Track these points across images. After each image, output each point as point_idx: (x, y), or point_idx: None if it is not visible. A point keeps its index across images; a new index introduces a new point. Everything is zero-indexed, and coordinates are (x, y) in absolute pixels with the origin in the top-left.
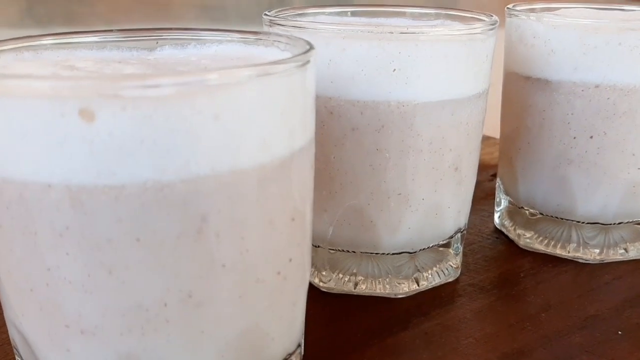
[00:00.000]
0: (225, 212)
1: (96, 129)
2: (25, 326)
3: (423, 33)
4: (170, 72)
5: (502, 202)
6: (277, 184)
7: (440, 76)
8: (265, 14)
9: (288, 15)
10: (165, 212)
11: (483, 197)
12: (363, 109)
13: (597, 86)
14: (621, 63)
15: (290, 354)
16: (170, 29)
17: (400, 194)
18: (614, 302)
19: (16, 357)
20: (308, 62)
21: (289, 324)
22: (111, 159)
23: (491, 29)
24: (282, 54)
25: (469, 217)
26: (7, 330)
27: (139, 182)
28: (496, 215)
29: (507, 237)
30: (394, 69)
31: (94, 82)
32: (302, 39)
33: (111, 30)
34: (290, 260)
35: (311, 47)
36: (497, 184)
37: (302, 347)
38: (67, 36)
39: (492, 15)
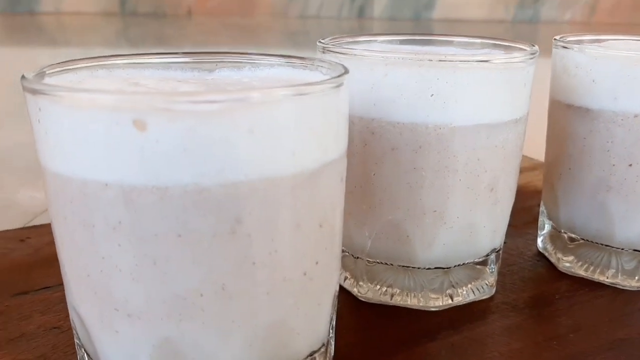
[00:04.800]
0: (257, 215)
1: (147, 137)
2: (82, 309)
3: (460, 61)
4: (212, 90)
5: (545, 226)
6: (305, 193)
7: (477, 102)
8: (319, 42)
9: (340, 43)
10: (203, 212)
11: (531, 221)
12: (402, 130)
13: (636, 116)
14: None
15: (315, 352)
16: (229, 52)
17: (435, 211)
18: None
19: (75, 339)
20: (341, 84)
21: (314, 322)
22: (158, 164)
23: (531, 58)
24: (323, 77)
25: (513, 239)
26: None
27: (181, 185)
28: (539, 239)
29: (548, 260)
30: (432, 94)
31: (146, 96)
32: (341, 64)
33: (177, 53)
34: (317, 263)
35: (345, 72)
36: (541, 208)
37: (331, 348)
38: (137, 57)
39: (534, 45)
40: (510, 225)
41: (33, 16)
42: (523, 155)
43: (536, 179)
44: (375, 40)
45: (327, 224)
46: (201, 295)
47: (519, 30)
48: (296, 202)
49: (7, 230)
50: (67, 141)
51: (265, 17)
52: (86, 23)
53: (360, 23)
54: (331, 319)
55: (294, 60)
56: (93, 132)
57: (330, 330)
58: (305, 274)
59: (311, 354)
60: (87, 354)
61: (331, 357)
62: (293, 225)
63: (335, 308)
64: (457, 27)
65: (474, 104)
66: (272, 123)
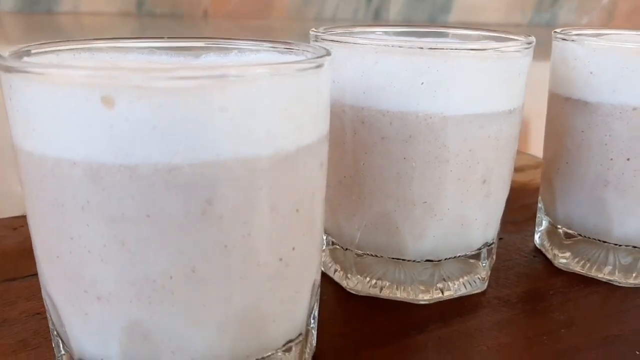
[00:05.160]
0: (229, 197)
1: (115, 114)
2: (53, 292)
3: (452, 49)
4: (182, 67)
5: (543, 222)
6: (281, 176)
7: (468, 91)
8: (312, 30)
9: (334, 33)
10: (173, 192)
11: (530, 218)
12: (392, 119)
13: (634, 109)
14: None
15: (291, 341)
16: (216, 38)
17: (426, 202)
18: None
19: (49, 324)
20: (321, 65)
21: (291, 310)
22: (127, 142)
23: (526, 48)
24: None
25: (511, 235)
26: None
27: (150, 164)
28: (536, 235)
29: (545, 257)
30: (422, 82)
31: (114, 72)
32: (325, 48)
33: (163, 38)
34: (294, 249)
35: (327, 54)
36: (539, 204)
37: (312, 338)
38: (123, 41)
39: (530, 36)
40: (509, 221)
41: (51, 16)
42: (527, 154)
43: (539, 177)
44: (371, 32)
45: (305, 209)
46: (171, 277)
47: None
48: (271, 185)
49: (2, 219)
50: (36, 119)
51: (281, 20)
52: (103, 23)
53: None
54: (312, 309)
55: (280, 45)
56: (62, 110)
57: (312, 320)
58: (281, 259)
59: (287, 343)
60: (60, 339)
61: (313, 348)
62: (267, 208)
63: (317, 298)
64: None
65: (465, 93)
66: (245, 102)
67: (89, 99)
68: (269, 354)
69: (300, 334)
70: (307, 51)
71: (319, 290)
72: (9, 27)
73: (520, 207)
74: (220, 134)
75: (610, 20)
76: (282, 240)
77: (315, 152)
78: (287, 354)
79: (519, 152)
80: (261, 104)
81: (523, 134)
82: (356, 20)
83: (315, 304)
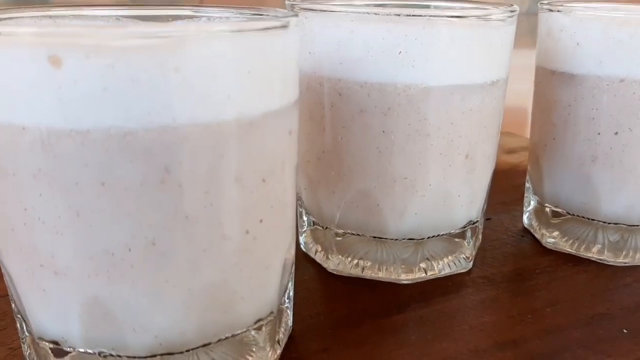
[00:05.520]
0: (188, 165)
1: (63, 75)
2: (9, 266)
3: (430, 16)
4: (132, 24)
5: (531, 202)
6: (244, 143)
7: (449, 60)
8: (288, 0)
9: (309, 2)
10: (129, 159)
11: (519, 199)
12: (370, 90)
13: (622, 80)
14: None
15: (262, 319)
16: (184, 6)
17: (406, 178)
18: (628, 303)
19: (11, 303)
20: (285, 26)
21: (261, 287)
22: (77, 105)
23: (510, 17)
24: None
25: (500, 215)
26: None
27: (103, 128)
28: (525, 216)
29: (534, 237)
30: (400, 52)
31: (61, 30)
32: (294, 12)
33: (131, 6)
34: (261, 221)
35: (293, 15)
36: (527, 184)
37: (287, 318)
38: (87, 8)
39: (512, 5)
40: (499, 202)
41: (64, 2)
42: (520, 136)
43: None
44: (352, 4)
45: (273, 179)
46: (129, 250)
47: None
48: (233, 153)
49: None
50: None
51: (277, 6)
52: None
53: None
54: (285, 287)
55: (249, 11)
56: (9, 72)
57: (286, 300)
58: (247, 232)
59: (258, 321)
60: (23, 320)
61: (289, 327)
62: (230, 178)
63: (292, 276)
64: None
65: (445, 63)
66: (202, 62)
67: (36, 59)
68: (239, 332)
69: (271, 312)
70: (277, 15)
71: (293, 268)
72: None
73: (510, 187)
74: (176, 96)
75: None
76: (248, 212)
77: (283, 118)
78: (258, 332)
79: (512, 135)
80: (220, 65)
81: (523, 120)
82: None
83: (290, 283)
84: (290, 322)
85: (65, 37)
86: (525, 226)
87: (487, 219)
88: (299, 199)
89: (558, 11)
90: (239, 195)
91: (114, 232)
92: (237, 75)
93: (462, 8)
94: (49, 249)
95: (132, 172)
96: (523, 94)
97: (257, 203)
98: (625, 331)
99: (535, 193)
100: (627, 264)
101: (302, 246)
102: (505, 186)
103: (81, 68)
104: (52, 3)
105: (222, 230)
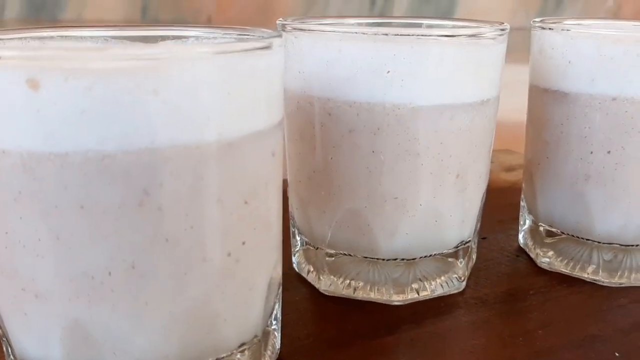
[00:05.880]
0: (168, 187)
1: (41, 98)
2: None
3: (418, 35)
4: (110, 47)
5: (526, 221)
6: (225, 165)
7: (438, 80)
8: (279, 20)
9: (298, 21)
10: (107, 181)
11: (516, 217)
12: (359, 110)
13: (614, 99)
14: (639, 75)
15: (246, 343)
16: (174, 25)
17: (396, 198)
18: (622, 325)
19: None
20: (267, 47)
21: (244, 308)
22: (56, 127)
23: (500, 35)
24: None
25: (496, 234)
26: None
27: (82, 151)
28: (520, 234)
29: (529, 256)
30: (388, 71)
31: (39, 53)
32: (279, 33)
33: (120, 26)
34: (244, 243)
35: (277, 35)
36: (522, 202)
37: (275, 340)
38: (76, 29)
39: (503, 23)
40: (495, 220)
41: (56, 23)
42: (518, 153)
43: None
44: (342, 23)
45: (255, 200)
46: (110, 274)
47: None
48: (214, 175)
49: None
50: None
51: None
52: None
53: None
54: (271, 309)
55: (236, 31)
56: None
57: (273, 321)
58: (229, 254)
59: (242, 345)
60: (8, 344)
61: (276, 350)
62: (211, 199)
63: (279, 297)
64: None
65: (434, 82)
66: (180, 85)
67: (14, 83)
68: (223, 355)
69: (255, 336)
70: (262, 36)
71: (280, 289)
72: None
73: (507, 205)
74: (154, 119)
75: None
76: (230, 234)
77: (266, 139)
78: (242, 355)
79: (511, 152)
80: (199, 88)
81: (523, 137)
82: None
83: (277, 304)
84: (277, 345)
85: (43, 60)
86: (521, 245)
87: (483, 238)
88: (291, 218)
89: (550, 29)
90: (220, 217)
91: (94, 255)
92: (217, 97)
93: (453, 26)
94: (29, 272)
95: (110, 194)
96: (523, 110)
97: (239, 225)
98: (617, 354)
99: (529, 212)
100: (622, 285)
101: (294, 266)
102: (503, 204)
103: (59, 91)
104: (62, 20)
105: (203, 253)
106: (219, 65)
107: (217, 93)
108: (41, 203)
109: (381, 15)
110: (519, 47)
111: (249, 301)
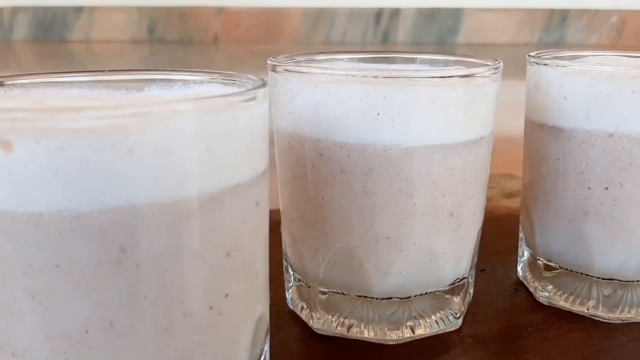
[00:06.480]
0: (145, 244)
1: (14, 158)
2: None
3: (407, 77)
4: (81, 107)
5: (525, 253)
6: (205, 219)
7: (429, 121)
8: (270, 60)
9: (291, 61)
10: (83, 241)
11: (516, 246)
12: (350, 151)
13: (610, 135)
14: (635, 111)
15: None
16: (160, 70)
17: (389, 237)
18: None
19: None
20: (252, 99)
21: None
22: (29, 188)
23: (493, 74)
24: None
25: (494, 266)
26: None
27: (56, 211)
28: (519, 267)
29: (527, 290)
30: (378, 113)
31: (9, 114)
32: (264, 80)
33: (105, 71)
34: (227, 295)
35: (261, 85)
36: (520, 234)
37: None
38: (61, 75)
39: (498, 61)
40: (495, 251)
41: (64, 44)
42: (519, 178)
43: None
44: (335, 59)
45: (238, 252)
46: (87, 332)
47: None
48: (193, 230)
49: None
50: None
51: (289, 44)
52: (115, 50)
53: (384, 48)
54: (259, 355)
55: (222, 77)
56: None
57: None
58: (211, 307)
59: None
60: None
61: None
62: (191, 255)
63: (267, 343)
64: (482, 51)
65: (425, 123)
66: (155, 142)
67: None
68: None
69: None
70: (248, 83)
71: (267, 335)
72: (23, 54)
73: (506, 234)
74: (130, 178)
75: (619, 38)
76: (212, 288)
77: (249, 190)
78: None
79: (512, 177)
80: (176, 145)
81: (519, 161)
82: (365, 42)
83: (266, 348)
84: None
85: (15, 122)
86: (520, 278)
87: (482, 270)
88: (284, 254)
89: (545, 65)
90: (200, 272)
91: (71, 313)
92: (195, 153)
93: (445, 64)
94: (5, 331)
95: (86, 253)
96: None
97: (221, 278)
98: None
99: (527, 245)
100: (623, 321)
101: (288, 302)
102: (502, 233)
103: (32, 152)
104: (70, 39)
105: (183, 308)
106: (198, 121)
107: (195, 149)
108: (15, 262)
109: (383, 37)
110: (524, 63)
111: (233, 353)
